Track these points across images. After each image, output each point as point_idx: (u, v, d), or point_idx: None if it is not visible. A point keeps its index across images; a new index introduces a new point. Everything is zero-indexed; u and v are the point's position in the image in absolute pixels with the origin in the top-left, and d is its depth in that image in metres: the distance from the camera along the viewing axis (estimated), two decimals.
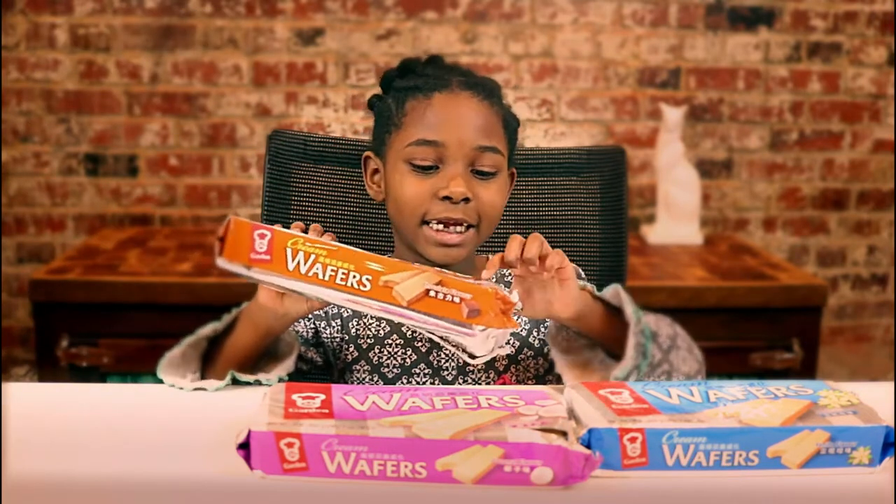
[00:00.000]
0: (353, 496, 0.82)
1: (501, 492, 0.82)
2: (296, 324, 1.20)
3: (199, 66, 2.84)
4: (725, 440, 0.86)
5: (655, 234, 2.72)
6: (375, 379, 1.22)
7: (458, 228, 1.16)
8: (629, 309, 1.09)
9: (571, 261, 1.08)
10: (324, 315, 1.24)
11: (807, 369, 2.29)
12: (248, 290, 1.06)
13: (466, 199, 1.15)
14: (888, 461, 0.88)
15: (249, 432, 0.83)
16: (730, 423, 0.87)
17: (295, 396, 0.89)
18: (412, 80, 1.22)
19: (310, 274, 0.97)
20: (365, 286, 0.96)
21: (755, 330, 2.31)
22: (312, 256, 0.97)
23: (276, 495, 0.82)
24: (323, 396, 0.89)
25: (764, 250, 2.74)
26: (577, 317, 1.09)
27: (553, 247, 1.07)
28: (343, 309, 1.22)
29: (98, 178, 2.88)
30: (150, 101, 2.85)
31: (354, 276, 0.97)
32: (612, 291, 1.13)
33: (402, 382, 1.21)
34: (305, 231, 1.03)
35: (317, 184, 1.42)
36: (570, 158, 1.45)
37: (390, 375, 1.22)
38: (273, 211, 1.41)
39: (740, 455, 0.86)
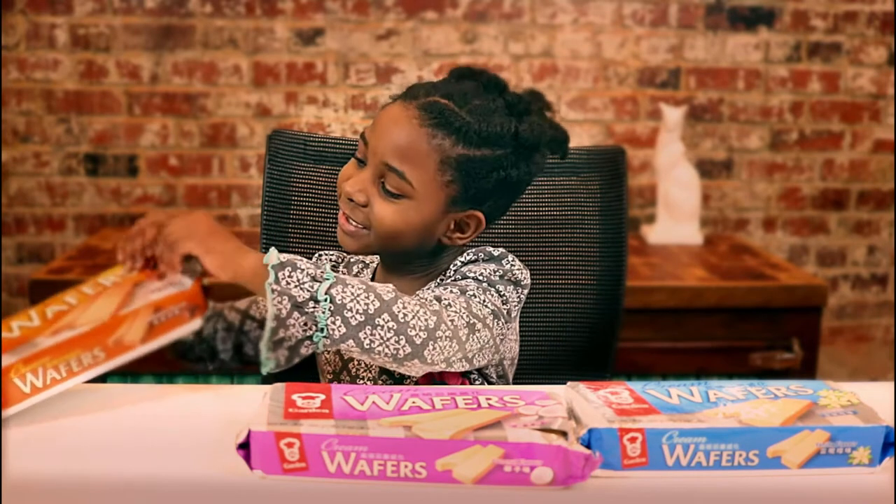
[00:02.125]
0: (353, 496, 0.82)
1: (501, 492, 0.82)
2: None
3: (199, 66, 2.84)
4: (725, 440, 0.86)
5: (655, 234, 2.72)
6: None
7: (354, 221, 1.15)
8: (271, 276, 0.97)
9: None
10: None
11: (807, 369, 2.29)
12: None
13: (353, 200, 1.13)
14: (888, 461, 0.88)
15: (249, 432, 0.83)
16: (730, 423, 0.87)
17: (295, 396, 0.89)
18: None
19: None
20: (100, 356, 1.01)
21: (755, 330, 2.31)
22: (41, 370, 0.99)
23: (276, 495, 0.82)
24: (323, 396, 0.89)
25: (764, 250, 2.74)
26: (236, 282, 1.03)
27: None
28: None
29: (98, 178, 2.88)
30: (150, 101, 2.85)
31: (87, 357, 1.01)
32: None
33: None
34: None
35: (317, 184, 1.43)
36: (569, 158, 1.45)
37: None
38: (273, 211, 1.41)
39: (740, 455, 0.86)
